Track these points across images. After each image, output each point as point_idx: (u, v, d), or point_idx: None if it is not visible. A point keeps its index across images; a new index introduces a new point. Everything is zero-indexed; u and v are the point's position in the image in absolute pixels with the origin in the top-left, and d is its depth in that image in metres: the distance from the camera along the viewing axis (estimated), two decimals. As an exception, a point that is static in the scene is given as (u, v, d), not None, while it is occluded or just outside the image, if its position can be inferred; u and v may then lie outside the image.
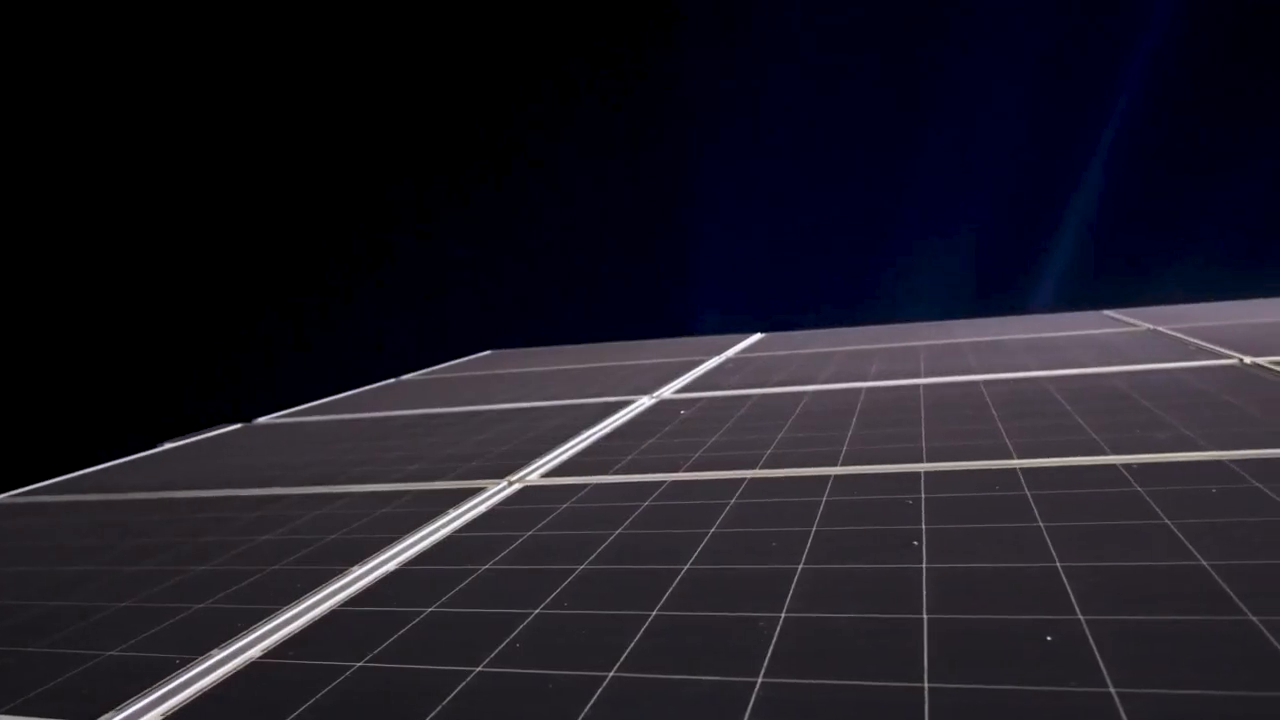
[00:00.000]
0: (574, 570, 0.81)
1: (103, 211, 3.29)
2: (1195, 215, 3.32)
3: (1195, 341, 1.77)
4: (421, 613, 0.74)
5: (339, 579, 0.85)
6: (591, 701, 0.56)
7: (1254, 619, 0.59)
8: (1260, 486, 0.85)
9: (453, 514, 1.05)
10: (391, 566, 0.88)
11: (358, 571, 0.87)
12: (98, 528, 1.16)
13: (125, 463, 1.65)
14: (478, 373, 2.62)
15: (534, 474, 1.22)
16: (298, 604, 0.79)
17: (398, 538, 0.97)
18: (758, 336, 2.85)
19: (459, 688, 0.59)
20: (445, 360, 3.08)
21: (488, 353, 3.26)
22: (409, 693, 0.60)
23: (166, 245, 3.42)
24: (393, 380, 2.64)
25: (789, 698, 0.54)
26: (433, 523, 1.02)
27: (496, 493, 1.13)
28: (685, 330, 3.46)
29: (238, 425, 2.00)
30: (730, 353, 2.45)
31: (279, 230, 3.62)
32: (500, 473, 1.24)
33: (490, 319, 3.93)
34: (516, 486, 1.16)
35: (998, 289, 3.57)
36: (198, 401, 3.35)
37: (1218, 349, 1.66)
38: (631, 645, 0.64)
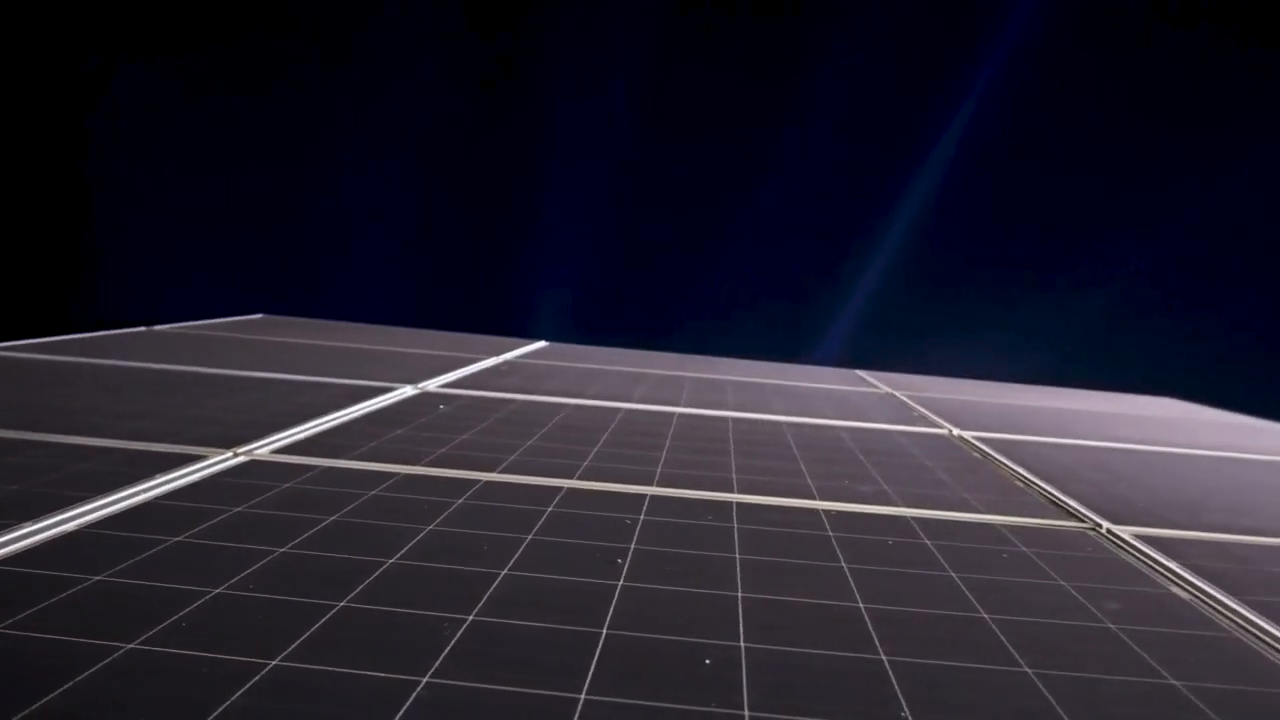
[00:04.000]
0: (273, 552, 0.78)
1: None
2: (978, 296, 3.71)
3: (920, 410, 1.97)
4: (86, 580, 0.69)
5: (1, 535, 0.77)
6: (243, 690, 0.54)
7: (884, 659, 0.66)
8: (928, 543, 0.96)
9: (160, 479, 0.98)
10: (70, 527, 0.81)
11: (27, 529, 0.79)
12: None
13: None
14: (242, 335, 2.46)
15: (264, 448, 1.16)
16: (-58, 557, 0.71)
17: (88, 497, 0.89)
18: (541, 344, 2.87)
19: (100, 664, 0.55)
20: (212, 317, 2.87)
21: (259, 316, 3.07)
22: (40, 666, 0.55)
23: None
24: (144, 329, 2.43)
25: (446, 699, 0.55)
26: (134, 485, 0.94)
27: (217, 463, 1.07)
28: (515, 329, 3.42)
29: (-63, 351, 1.76)
30: (509, 355, 2.45)
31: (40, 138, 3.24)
32: (229, 442, 1.17)
33: (271, 280, 3.71)
34: (241, 459, 1.10)
35: (785, 338, 3.81)
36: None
37: (936, 419, 1.85)
38: (306, 635, 0.62)
